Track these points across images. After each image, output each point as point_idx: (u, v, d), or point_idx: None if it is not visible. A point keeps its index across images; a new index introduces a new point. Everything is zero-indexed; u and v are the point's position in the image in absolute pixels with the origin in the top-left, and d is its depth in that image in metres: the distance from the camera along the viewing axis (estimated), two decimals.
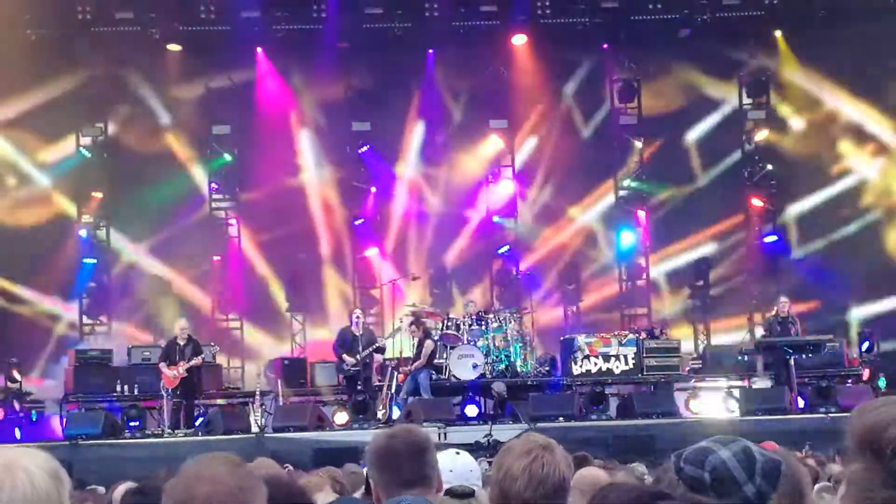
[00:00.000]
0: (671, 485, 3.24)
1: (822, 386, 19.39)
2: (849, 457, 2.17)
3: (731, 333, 23.95)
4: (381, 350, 19.92)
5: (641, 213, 24.79)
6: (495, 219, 24.82)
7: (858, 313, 23.57)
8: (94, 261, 23.49)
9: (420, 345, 19.65)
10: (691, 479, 3.11)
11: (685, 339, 23.28)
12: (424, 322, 20.30)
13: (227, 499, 2.98)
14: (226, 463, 3.07)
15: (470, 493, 4.49)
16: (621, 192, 24.93)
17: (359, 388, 19.28)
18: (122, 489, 6.03)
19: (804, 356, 19.47)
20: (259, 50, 24.01)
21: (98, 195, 23.61)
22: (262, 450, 15.24)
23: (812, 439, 14.99)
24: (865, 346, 21.67)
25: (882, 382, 20.49)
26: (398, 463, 4.15)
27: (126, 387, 20.78)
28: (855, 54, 22.92)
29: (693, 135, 24.92)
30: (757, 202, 24.66)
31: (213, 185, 24.34)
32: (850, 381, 20.84)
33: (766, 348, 20.11)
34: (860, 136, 24.18)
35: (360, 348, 19.29)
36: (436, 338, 20.39)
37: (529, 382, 20.92)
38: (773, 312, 20.65)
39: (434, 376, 19.83)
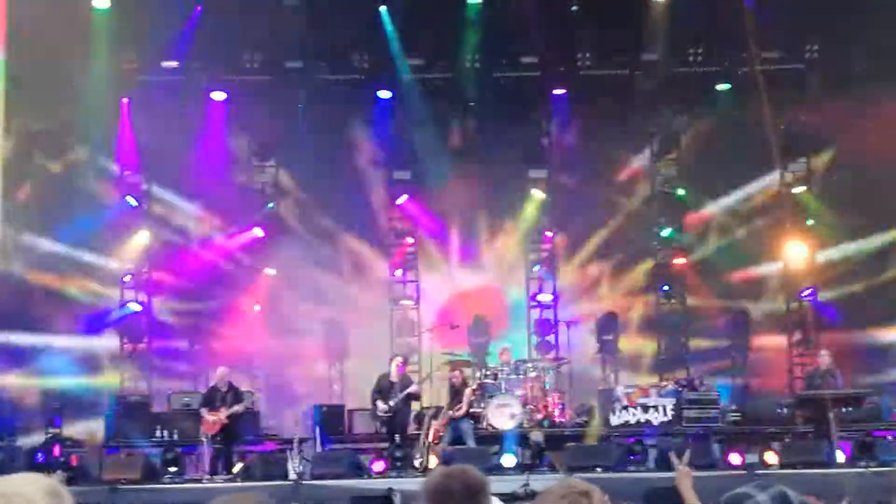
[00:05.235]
0: None
1: (863, 440, 19.18)
2: None
3: None
4: (416, 396, 19.93)
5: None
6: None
7: None
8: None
9: (458, 393, 19.66)
10: None
11: None
12: (463, 371, 20.32)
13: None
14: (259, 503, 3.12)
15: None
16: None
17: (395, 439, 19.28)
18: None
19: (844, 409, 19.30)
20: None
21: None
22: (298, 497, 15.25)
23: (852, 494, 14.84)
24: None
25: None
26: (452, 503, 4.09)
27: (165, 432, 20.95)
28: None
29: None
30: None
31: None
32: (891, 435, 20.59)
33: (805, 401, 19.95)
34: None
35: (395, 394, 19.37)
36: (473, 386, 20.38)
37: (567, 432, 20.87)
38: (814, 366, 20.53)
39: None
